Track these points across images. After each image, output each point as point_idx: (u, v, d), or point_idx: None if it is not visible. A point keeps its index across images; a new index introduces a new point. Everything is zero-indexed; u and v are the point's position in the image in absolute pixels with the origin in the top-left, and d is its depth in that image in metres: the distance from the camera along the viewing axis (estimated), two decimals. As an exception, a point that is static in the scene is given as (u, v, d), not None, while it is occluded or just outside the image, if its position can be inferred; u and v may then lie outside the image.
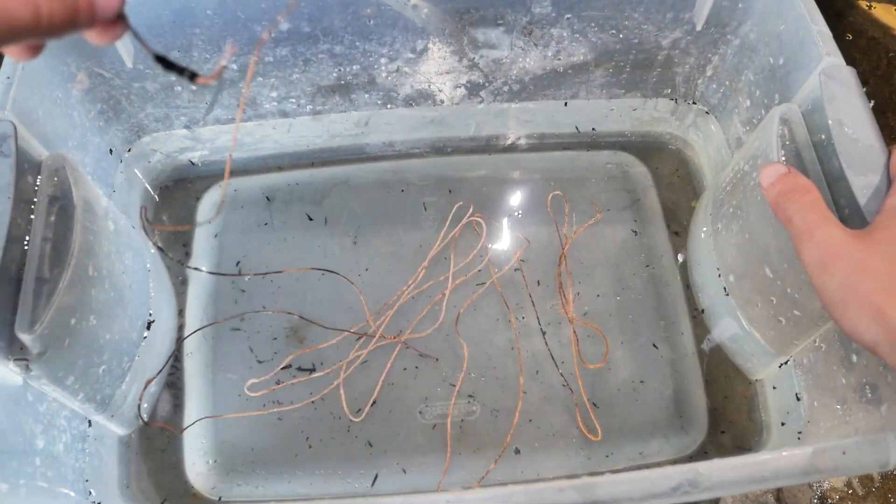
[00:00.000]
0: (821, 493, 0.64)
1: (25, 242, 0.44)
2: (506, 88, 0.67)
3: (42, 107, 0.50)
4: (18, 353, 0.43)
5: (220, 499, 0.57)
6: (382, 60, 0.63)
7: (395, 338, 0.62)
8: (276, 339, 0.62)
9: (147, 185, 0.68)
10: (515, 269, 0.66)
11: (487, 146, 0.73)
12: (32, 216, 0.45)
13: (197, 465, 0.58)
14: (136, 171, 0.66)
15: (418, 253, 0.66)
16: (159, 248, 0.63)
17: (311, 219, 0.68)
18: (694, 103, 0.69)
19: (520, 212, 0.69)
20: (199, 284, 0.65)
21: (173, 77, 0.59)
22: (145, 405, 0.58)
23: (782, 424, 0.56)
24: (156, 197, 0.68)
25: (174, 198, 0.69)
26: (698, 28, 0.60)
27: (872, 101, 0.45)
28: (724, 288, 0.59)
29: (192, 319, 0.63)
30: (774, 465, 0.36)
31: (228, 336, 0.63)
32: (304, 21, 0.57)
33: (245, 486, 0.58)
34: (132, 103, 0.62)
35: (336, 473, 0.58)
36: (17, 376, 0.44)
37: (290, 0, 0.55)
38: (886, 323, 0.33)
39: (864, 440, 0.38)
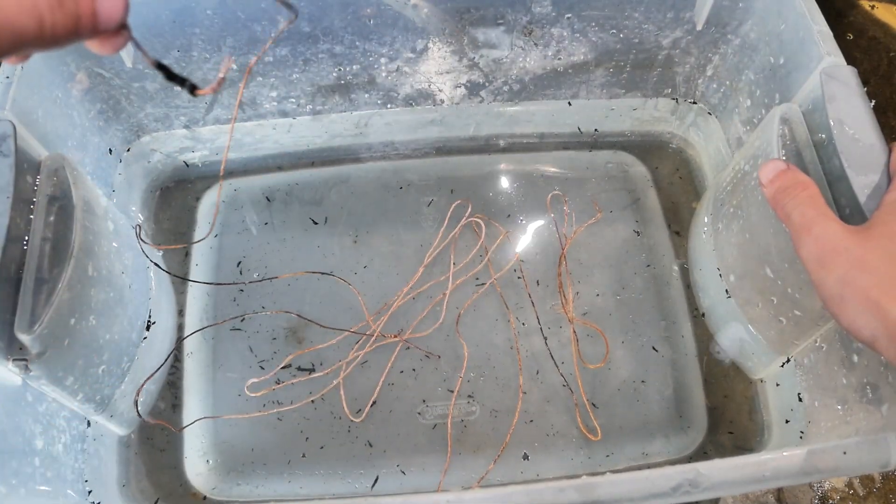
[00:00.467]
0: (821, 493, 0.64)
1: (25, 242, 0.44)
2: (506, 88, 0.67)
3: (42, 107, 0.50)
4: (18, 353, 0.43)
5: (205, 498, 0.57)
6: (382, 60, 0.63)
7: (396, 336, 0.62)
8: (275, 339, 0.62)
9: (147, 186, 0.68)
10: (515, 271, 0.66)
11: (487, 146, 0.72)
12: (32, 216, 0.45)
13: (196, 465, 0.58)
14: (135, 170, 0.66)
15: (418, 253, 0.66)
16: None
17: (315, 222, 0.68)
18: (694, 103, 0.69)
19: (520, 212, 0.69)
20: (198, 284, 0.65)
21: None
22: (141, 398, 0.58)
23: (785, 423, 0.56)
24: (156, 197, 0.68)
25: (174, 198, 0.69)
26: (699, 27, 0.60)
27: (873, 101, 0.45)
28: (725, 288, 0.59)
29: (192, 319, 0.63)
30: (775, 465, 0.36)
31: (228, 336, 0.63)
32: (304, 21, 0.57)
33: (245, 486, 0.58)
34: (132, 103, 0.62)
35: (336, 473, 0.58)
36: (17, 376, 0.44)
37: (291, 0, 0.55)
38: (884, 318, 0.33)
39: (864, 440, 0.38)
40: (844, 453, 0.37)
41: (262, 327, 0.63)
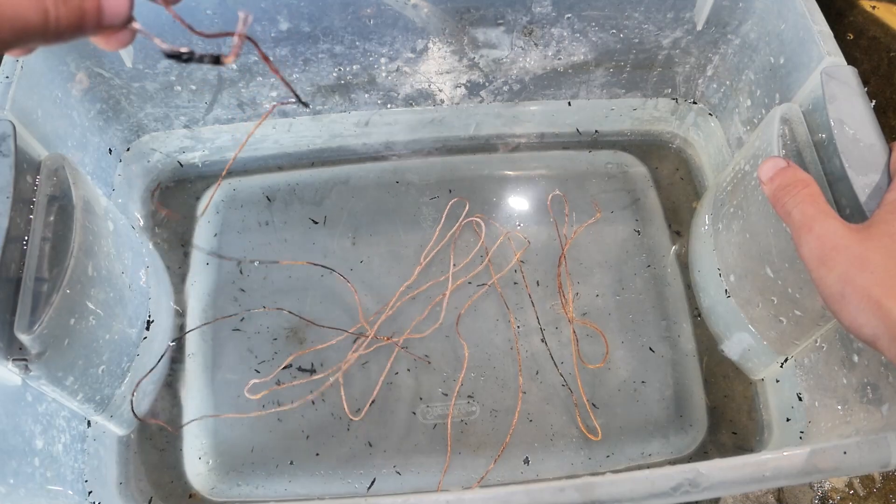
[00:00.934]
0: (822, 493, 0.64)
1: (25, 242, 0.44)
2: (506, 88, 0.67)
3: (41, 106, 0.50)
4: (18, 353, 0.43)
5: (196, 496, 0.57)
6: (382, 60, 0.63)
7: (389, 339, 0.62)
8: (276, 339, 0.62)
9: (147, 185, 0.68)
10: (515, 271, 0.66)
11: (487, 146, 0.72)
12: (31, 216, 0.45)
13: (196, 465, 0.58)
14: (135, 170, 0.66)
15: (418, 253, 0.66)
16: (157, 241, 0.63)
17: (315, 222, 0.68)
18: (694, 103, 0.69)
19: (520, 212, 0.69)
20: (198, 284, 0.65)
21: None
22: (137, 396, 0.58)
23: (786, 423, 0.56)
24: (155, 197, 0.68)
25: (174, 198, 0.69)
26: (699, 27, 0.60)
27: (874, 101, 0.45)
28: (725, 288, 0.59)
29: (192, 319, 0.63)
30: (775, 464, 0.36)
31: (228, 336, 0.63)
32: (304, 21, 0.57)
33: (245, 486, 0.58)
34: (132, 103, 0.62)
35: (336, 473, 0.58)
36: (16, 377, 0.44)
37: (291, 1, 0.55)
38: (885, 316, 0.33)
39: (864, 440, 0.37)
40: (844, 453, 0.37)
41: (262, 328, 0.63)
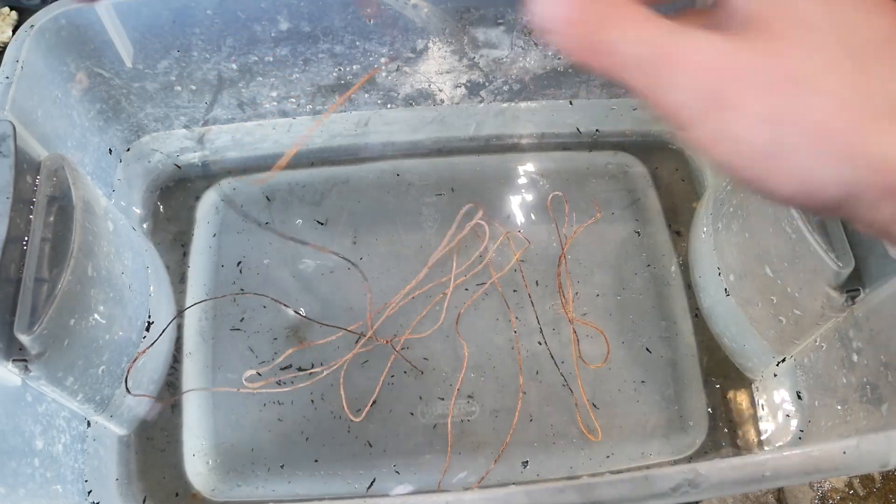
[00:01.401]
0: (822, 493, 0.64)
1: (24, 243, 0.44)
2: (506, 88, 0.67)
3: (41, 107, 0.50)
4: (18, 353, 0.43)
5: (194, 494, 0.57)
6: (382, 60, 0.63)
7: (388, 342, 0.62)
8: (276, 339, 0.62)
9: (147, 185, 0.68)
10: (515, 271, 0.66)
11: (487, 146, 0.72)
12: (31, 216, 0.45)
13: (196, 465, 0.58)
14: (135, 170, 0.66)
15: (418, 253, 0.66)
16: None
17: (321, 223, 0.68)
18: (694, 103, 0.69)
19: (520, 212, 0.69)
20: (198, 284, 0.65)
21: (173, 77, 0.59)
22: (140, 397, 0.58)
23: (785, 423, 0.56)
24: (155, 197, 0.68)
25: (174, 198, 0.69)
26: (698, 27, 0.60)
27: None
28: (725, 288, 0.59)
29: (192, 319, 0.63)
30: (774, 464, 0.36)
31: (228, 336, 0.63)
32: (304, 21, 0.57)
33: (245, 486, 0.58)
34: (132, 103, 0.62)
35: (336, 473, 0.58)
36: (16, 377, 0.44)
37: (291, 1, 0.55)
38: (865, 155, 0.20)
39: (864, 440, 0.37)
40: (844, 453, 0.37)
41: (262, 327, 0.63)
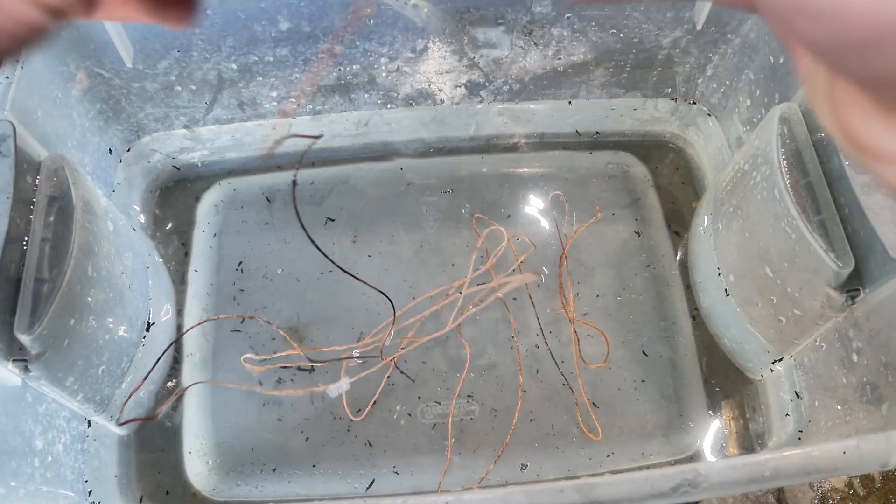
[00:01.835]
0: (821, 493, 0.64)
1: (25, 243, 0.44)
2: (506, 88, 0.67)
3: (41, 107, 0.50)
4: (18, 353, 0.43)
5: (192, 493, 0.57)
6: (382, 60, 0.63)
7: (392, 360, 0.61)
8: (275, 339, 0.62)
9: (147, 185, 0.68)
10: (514, 271, 0.66)
11: (487, 146, 0.72)
12: (31, 216, 0.45)
13: (196, 465, 0.58)
14: (135, 170, 0.66)
15: (418, 253, 0.66)
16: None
17: (330, 220, 0.68)
18: (694, 103, 0.69)
19: (520, 212, 0.69)
20: (198, 284, 0.65)
21: (173, 77, 0.59)
22: (142, 395, 0.58)
23: (785, 423, 0.56)
24: (155, 197, 0.68)
25: (174, 198, 0.69)
26: (698, 27, 0.60)
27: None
28: (725, 288, 0.59)
29: (192, 319, 0.63)
30: (774, 464, 0.36)
31: (228, 336, 0.63)
32: (304, 21, 0.57)
33: (245, 486, 0.58)
34: (132, 103, 0.62)
35: (336, 473, 0.58)
36: (16, 377, 0.44)
37: (291, 1, 0.55)
38: None
39: (864, 440, 0.37)
40: (844, 453, 0.37)
41: (262, 328, 0.63)
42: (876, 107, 0.17)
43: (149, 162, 0.68)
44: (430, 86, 0.66)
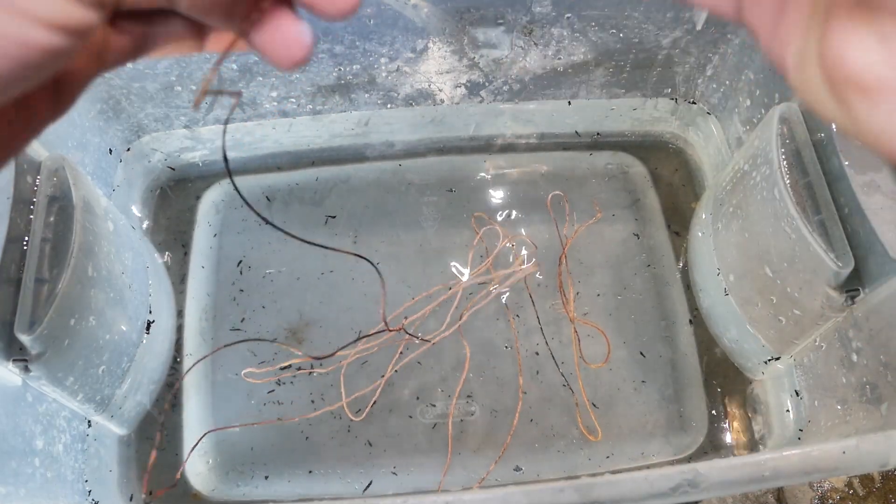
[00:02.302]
0: (821, 493, 0.64)
1: (25, 243, 0.44)
2: (506, 88, 0.67)
3: (41, 107, 0.50)
4: (18, 353, 0.43)
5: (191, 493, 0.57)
6: (382, 60, 0.63)
7: (401, 328, 0.61)
8: (275, 339, 0.62)
9: (147, 185, 0.68)
10: (515, 271, 0.66)
11: (487, 146, 0.72)
12: (32, 216, 0.45)
13: (197, 465, 0.58)
14: (135, 170, 0.66)
15: (418, 253, 0.66)
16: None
17: (332, 218, 0.68)
18: (694, 103, 0.69)
19: (520, 212, 0.69)
20: (198, 284, 0.65)
21: (173, 77, 0.59)
22: (141, 397, 0.58)
23: (785, 423, 0.56)
24: (155, 197, 0.68)
25: (174, 197, 0.69)
26: (698, 27, 0.60)
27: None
28: (725, 288, 0.59)
29: (192, 319, 0.63)
30: (774, 464, 0.36)
31: (228, 337, 0.63)
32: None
33: (245, 486, 0.58)
34: (132, 103, 0.62)
35: (336, 473, 0.58)
36: (16, 377, 0.44)
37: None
38: None
39: (864, 440, 0.37)
40: (844, 453, 0.37)
41: (262, 328, 0.63)
42: (869, 23, 0.15)
43: (149, 162, 0.68)
44: (430, 86, 0.66)
